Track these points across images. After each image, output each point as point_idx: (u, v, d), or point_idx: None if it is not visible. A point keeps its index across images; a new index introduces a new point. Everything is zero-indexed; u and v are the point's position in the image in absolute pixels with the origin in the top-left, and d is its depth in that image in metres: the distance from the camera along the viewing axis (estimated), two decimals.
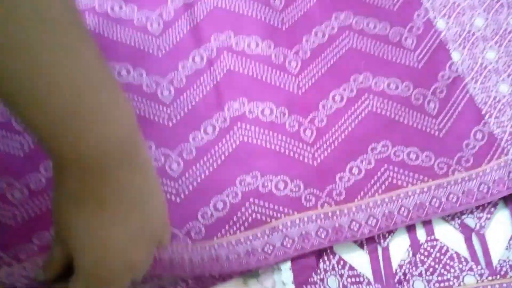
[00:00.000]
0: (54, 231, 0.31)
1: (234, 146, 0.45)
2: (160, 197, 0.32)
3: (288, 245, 0.40)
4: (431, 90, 0.49)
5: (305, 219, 0.42)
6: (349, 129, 0.47)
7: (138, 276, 0.32)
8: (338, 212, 0.43)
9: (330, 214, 0.42)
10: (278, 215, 0.42)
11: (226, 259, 0.38)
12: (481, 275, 0.41)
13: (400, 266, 0.42)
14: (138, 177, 0.29)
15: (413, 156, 0.46)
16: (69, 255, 0.31)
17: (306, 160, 0.45)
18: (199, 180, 0.43)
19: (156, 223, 0.31)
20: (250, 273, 0.41)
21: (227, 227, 0.41)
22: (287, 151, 0.45)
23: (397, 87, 0.49)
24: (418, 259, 0.42)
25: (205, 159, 0.44)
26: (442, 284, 0.41)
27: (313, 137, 0.46)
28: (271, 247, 0.40)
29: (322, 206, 0.43)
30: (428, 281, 0.41)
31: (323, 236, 0.41)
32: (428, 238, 0.44)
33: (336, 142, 0.46)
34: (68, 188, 0.28)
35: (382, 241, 0.43)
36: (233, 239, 0.40)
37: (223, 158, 0.44)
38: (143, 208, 0.30)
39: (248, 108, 0.47)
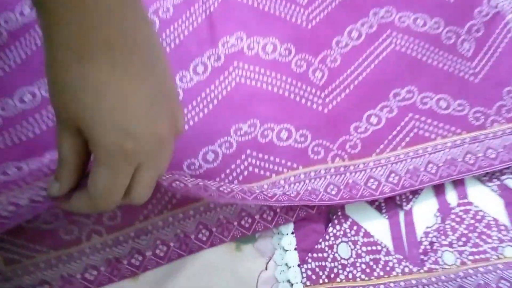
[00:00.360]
0: (56, 114, 0.24)
1: (229, 88, 0.37)
2: (166, 61, 0.26)
3: (293, 195, 0.33)
4: (465, 28, 0.41)
5: (312, 174, 0.35)
6: (368, 71, 0.39)
7: (166, 158, 0.26)
8: (352, 168, 0.35)
9: (342, 169, 0.35)
10: (280, 169, 0.35)
11: (216, 190, 0.31)
12: None
13: (426, 234, 0.35)
14: (143, 23, 0.23)
15: (443, 104, 0.38)
16: (81, 150, 0.24)
17: (314, 106, 0.37)
18: (186, 127, 0.37)
19: (171, 88, 0.26)
20: (245, 236, 0.34)
21: (217, 179, 0.34)
22: (292, 95, 0.38)
23: (424, 24, 0.41)
24: (448, 226, 0.35)
25: (194, 103, 0.37)
26: (477, 257, 0.34)
27: (323, 79, 0.38)
28: (271, 193, 0.33)
29: (333, 159, 0.36)
30: (460, 253, 0.34)
31: (333, 192, 0.34)
32: (461, 201, 0.36)
33: (351, 86, 0.38)
34: (67, 41, 0.22)
35: (404, 203, 0.36)
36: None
37: (215, 102, 0.37)
38: (155, 63, 0.24)
39: (246, 44, 0.39)
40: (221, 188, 0.31)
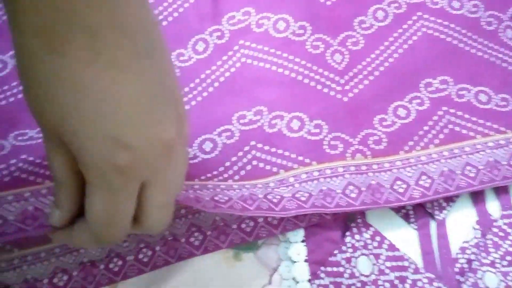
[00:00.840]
0: (36, 122, 0.19)
1: (232, 70, 0.32)
2: (167, 51, 0.20)
3: (303, 198, 0.28)
4: (508, 14, 0.36)
5: (328, 171, 0.29)
6: (395, 56, 0.34)
7: (179, 171, 0.21)
8: (376, 166, 0.30)
9: (364, 168, 0.30)
10: (290, 164, 0.29)
11: (209, 200, 0.26)
12: None
13: (463, 250, 0.30)
14: (136, 2, 0.18)
15: (483, 97, 0.33)
16: (74, 164, 0.19)
17: (332, 93, 0.32)
18: None
19: (174, 83, 0.20)
20: (245, 243, 0.29)
21: (215, 173, 0.29)
22: (306, 80, 0.32)
23: (461, 6, 0.36)
24: (489, 242, 0.29)
25: (192, 85, 0.32)
26: None
27: (344, 63, 0.33)
28: (278, 197, 0.28)
29: (353, 155, 0.30)
30: (505, 274, 0.28)
31: (353, 195, 0.29)
32: (505, 213, 0.30)
33: (375, 73, 0.33)
34: (34, 25, 0.17)
35: (437, 212, 0.30)
36: (222, 184, 0.28)
37: (216, 85, 0.32)
38: (152, 53, 0.19)
39: (255, 20, 0.34)
40: (216, 197, 0.26)
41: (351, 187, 0.29)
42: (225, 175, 0.29)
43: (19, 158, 0.26)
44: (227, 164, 0.29)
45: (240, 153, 0.30)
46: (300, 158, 0.29)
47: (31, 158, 0.26)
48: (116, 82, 0.18)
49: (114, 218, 0.19)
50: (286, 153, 0.30)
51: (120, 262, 0.28)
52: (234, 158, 0.30)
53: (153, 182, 0.19)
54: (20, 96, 0.29)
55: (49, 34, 0.17)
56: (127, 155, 0.18)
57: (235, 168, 0.29)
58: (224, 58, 0.33)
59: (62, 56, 0.17)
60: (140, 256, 0.28)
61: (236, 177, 0.29)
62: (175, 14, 0.34)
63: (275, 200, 0.27)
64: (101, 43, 0.17)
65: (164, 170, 0.20)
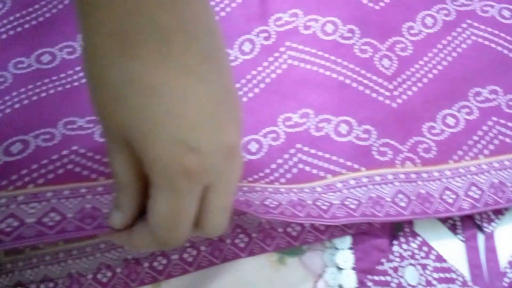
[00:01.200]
0: (101, 123, 0.19)
1: (279, 71, 0.32)
2: (227, 54, 0.21)
3: (353, 206, 0.28)
4: None
5: (377, 178, 0.29)
6: (443, 63, 0.33)
7: (237, 175, 0.20)
8: (425, 175, 0.29)
9: (414, 176, 0.29)
10: (337, 169, 0.29)
11: (260, 204, 0.25)
12: None
13: (511, 264, 0.29)
14: (202, 5, 0.18)
15: None
16: (140, 167, 0.19)
17: (381, 98, 0.32)
18: None
19: (233, 83, 0.20)
20: (290, 247, 0.28)
21: (261, 174, 0.28)
22: (354, 84, 0.32)
23: (511, 16, 0.36)
24: None
25: (238, 86, 0.31)
26: None
27: (392, 69, 0.33)
28: (327, 204, 0.27)
29: (403, 163, 0.29)
30: None
31: (402, 204, 0.28)
32: None
33: (424, 80, 0.32)
34: (107, 26, 0.17)
35: (485, 224, 0.30)
36: (269, 187, 0.28)
37: (262, 86, 0.32)
38: (218, 57, 0.19)
39: (303, 21, 0.34)
40: (266, 202, 0.26)
41: (400, 196, 0.28)
42: (271, 178, 0.29)
43: (71, 150, 0.26)
44: (273, 166, 0.29)
45: (286, 156, 0.29)
46: (349, 163, 0.29)
47: (82, 151, 0.26)
48: (185, 85, 0.18)
49: (178, 221, 0.19)
50: (334, 158, 0.29)
51: (164, 261, 0.27)
52: (279, 161, 0.29)
53: (216, 185, 0.19)
54: (68, 86, 0.29)
55: (123, 36, 0.17)
56: (194, 158, 0.18)
57: (281, 170, 0.29)
58: (271, 59, 0.32)
59: (134, 59, 0.17)
60: (185, 255, 0.28)
61: (282, 180, 0.29)
62: (222, 14, 0.34)
63: (324, 207, 0.26)
64: (171, 46, 0.17)
65: (227, 174, 0.20)
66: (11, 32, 0.31)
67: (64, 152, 0.26)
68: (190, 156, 0.18)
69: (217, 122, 0.19)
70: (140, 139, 0.18)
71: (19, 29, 0.31)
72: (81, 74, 0.30)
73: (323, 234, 0.28)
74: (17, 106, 0.28)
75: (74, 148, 0.26)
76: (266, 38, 0.33)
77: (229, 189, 0.20)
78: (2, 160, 0.26)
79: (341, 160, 0.29)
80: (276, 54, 0.33)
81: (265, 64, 0.32)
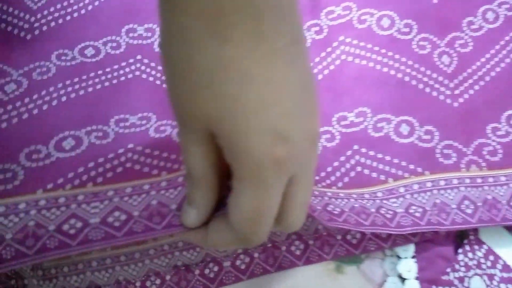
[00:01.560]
0: (178, 114, 0.18)
1: (332, 67, 0.30)
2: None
3: (418, 214, 0.26)
4: None
5: (441, 183, 0.27)
6: (507, 61, 0.31)
7: (315, 166, 0.19)
8: (491, 180, 0.28)
9: (480, 181, 0.27)
10: (400, 172, 0.27)
11: (322, 210, 0.24)
12: None
13: None
14: None
15: None
16: (216, 162, 0.18)
17: (442, 97, 0.30)
18: None
19: (314, 77, 0.20)
20: (349, 256, 0.27)
21: (317, 178, 0.27)
22: (414, 81, 0.30)
23: None
24: None
25: None
26: None
27: (453, 66, 0.31)
28: (391, 212, 0.26)
29: (468, 167, 0.28)
30: None
31: (469, 211, 0.27)
32: None
33: (486, 78, 0.30)
34: (197, 5, 0.15)
35: None
36: (328, 191, 0.26)
37: None
38: (301, 39, 0.18)
39: (357, 15, 0.32)
40: (329, 208, 0.24)
41: (466, 202, 0.26)
42: (328, 181, 0.27)
43: (126, 148, 0.25)
44: (329, 169, 0.27)
45: (343, 158, 0.28)
46: (411, 166, 0.27)
47: (139, 148, 0.25)
48: (277, 70, 0.16)
49: (263, 216, 0.18)
50: (395, 160, 0.27)
51: (216, 268, 0.26)
52: (336, 163, 0.28)
53: (300, 178, 0.18)
54: (115, 81, 0.28)
55: (215, 17, 0.15)
56: (284, 147, 0.17)
57: (338, 174, 0.27)
58: (323, 54, 0.31)
59: (227, 41, 0.15)
60: (238, 262, 0.26)
61: (340, 184, 0.27)
62: None
63: (388, 216, 0.25)
64: (264, 27, 0.16)
65: (310, 165, 0.19)
66: (52, 24, 0.30)
67: (120, 151, 0.24)
68: (280, 146, 0.17)
69: (304, 109, 0.17)
70: (230, 129, 0.16)
71: (60, 20, 0.30)
72: (127, 69, 0.28)
73: (386, 242, 0.26)
74: (63, 99, 0.26)
75: (130, 146, 0.25)
76: (318, 32, 0.31)
77: (311, 182, 0.19)
78: (55, 156, 0.24)
79: (404, 163, 0.27)
80: (329, 49, 0.31)
81: (317, 59, 0.31)
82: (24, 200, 0.23)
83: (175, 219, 0.21)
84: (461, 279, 0.26)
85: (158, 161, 0.24)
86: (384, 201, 0.26)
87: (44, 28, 0.30)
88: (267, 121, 0.16)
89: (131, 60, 0.29)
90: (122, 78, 0.28)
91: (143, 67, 0.29)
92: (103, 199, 0.22)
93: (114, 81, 0.28)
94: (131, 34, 0.30)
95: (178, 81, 0.16)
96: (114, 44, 0.29)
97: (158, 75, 0.29)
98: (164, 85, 0.28)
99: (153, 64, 0.29)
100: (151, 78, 0.29)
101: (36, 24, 0.30)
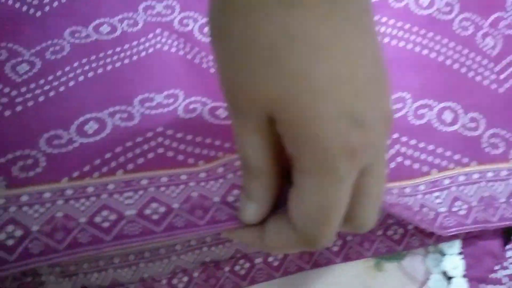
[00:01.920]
0: (231, 98, 0.16)
1: None
2: None
3: (462, 212, 0.24)
4: None
5: (489, 175, 0.25)
6: None
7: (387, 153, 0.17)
8: None
9: None
10: (444, 163, 0.25)
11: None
12: None
13: None
14: None
15: None
16: (277, 151, 0.16)
17: (486, 82, 0.28)
18: None
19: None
20: (389, 254, 0.25)
21: None
22: (456, 65, 0.28)
23: None
24: None
25: None
26: None
27: (497, 49, 0.29)
28: (432, 212, 0.24)
29: None
30: None
31: None
32: None
33: None
34: None
35: None
36: None
37: None
38: (371, 10, 0.15)
39: None
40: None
41: None
42: None
43: (156, 131, 0.22)
44: None
45: None
46: (457, 156, 0.25)
47: (170, 132, 0.22)
48: (351, 42, 0.14)
49: (330, 214, 0.16)
50: (439, 150, 0.25)
51: (247, 265, 0.24)
52: None
53: (373, 167, 0.16)
54: (135, 57, 0.25)
55: None
56: (359, 134, 0.15)
57: None
58: None
59: (295, 6, 0.13)
60: (270, 259, 0.24)
61: None
62: None
63: (430, 217, 0.23)
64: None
65: (384, 152, 0.16)
66: (63, 0, 0.27)
67: (149, 134, 0.22)
68: (354, 131, 0.14)
69: (379, 86, 0.15)
70: (295, 114, 0.14)
71: None
72: (147, 44, 0.26)
73: (430, 238, 0.24)
74: (81, 78, 0.24)
75: (159, 129, 0.22)
76: None
77: (384, 172, 0.17)
78: (78, 141, 0.22)
79: (448, 153, 0.25)
80: None
81: None
82: (48, 189, 0.20)
83: (220, 214, 0.19)
84: (511, 277, 0.25)
85: (193, 147, 0.22)
86: (427, 196, 0.24)
87: (55, 4, 0.27)
88: (339, 103, 0.14)
89: (151, 35, 0.27)
90: (143, 54, 0.25)
91: (163, 39, 0.27)
92: (137, 189, 0.20)
93: (134, 58, 0.25)
94: (149, 12, 0.28)
95: (234, 58, 0.14)
96: (131, 22, 0.27)
97: (181, 45, 0.26)
98: (188, 56, 0.26)
99: (175, 36, 0.27)
100: (173, 49, 0.26)
101: (46, 0, 0.28)
